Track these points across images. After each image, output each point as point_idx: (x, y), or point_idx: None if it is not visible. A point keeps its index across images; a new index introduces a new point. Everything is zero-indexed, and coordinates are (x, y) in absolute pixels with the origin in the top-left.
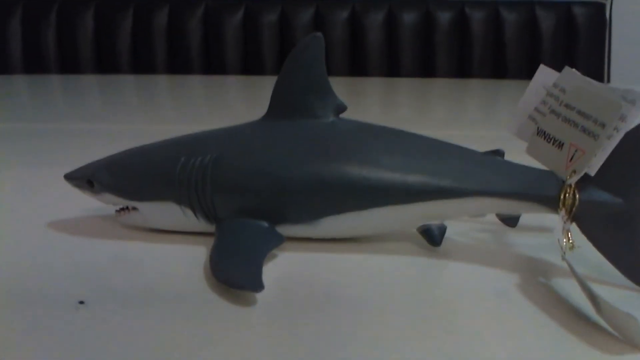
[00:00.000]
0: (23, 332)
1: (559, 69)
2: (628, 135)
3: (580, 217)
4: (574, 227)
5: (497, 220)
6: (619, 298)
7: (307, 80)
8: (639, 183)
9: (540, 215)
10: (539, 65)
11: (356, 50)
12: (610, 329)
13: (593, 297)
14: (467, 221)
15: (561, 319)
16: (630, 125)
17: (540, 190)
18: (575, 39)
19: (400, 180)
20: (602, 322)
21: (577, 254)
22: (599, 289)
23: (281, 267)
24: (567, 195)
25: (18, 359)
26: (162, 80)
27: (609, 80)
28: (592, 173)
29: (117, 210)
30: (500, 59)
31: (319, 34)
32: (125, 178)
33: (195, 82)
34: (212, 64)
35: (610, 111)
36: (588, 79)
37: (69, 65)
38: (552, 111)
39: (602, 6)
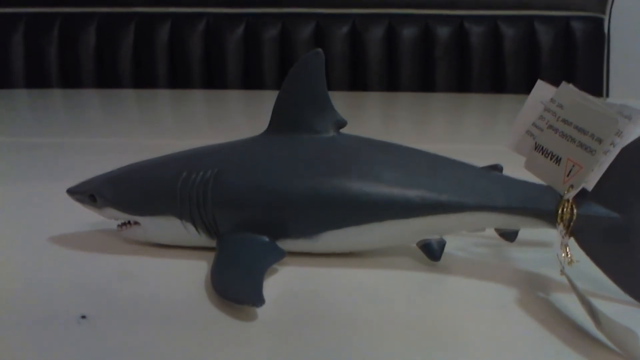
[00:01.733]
0: (24, 346)
1: (558, 83)
2: (625, 150)
3: (578, 231)
4: (572, 241)
5: (496, 234)
6: (618, 313)
7: (307, 96)
8: (635, 198)
9: (538, 230)
10: (537, 79)
11: (356, 65)
12: (609, 344)
13: (593, 312)
14: (466, 236)
15: (561, 333)
16: (627, 140)
17: (539, 205)
18: (574, 53)
19: (400, 195)
20: (602, 337)
21: (576, 269)
22: (597, 304)
23: (282, 282)
24: (564, 209)
25: None
26: (164, 95)
27: (607, 94)
28: (590, 188)
29: (119, 225)
30: (500, 73)
31: (320, 50)
32: (127, 193)
33: (197, 97)
34: (213, 79)
35: (607, 126)
36: (585, 94)
37: (71, 79)
38: (550, 126)
39: (600, 20)
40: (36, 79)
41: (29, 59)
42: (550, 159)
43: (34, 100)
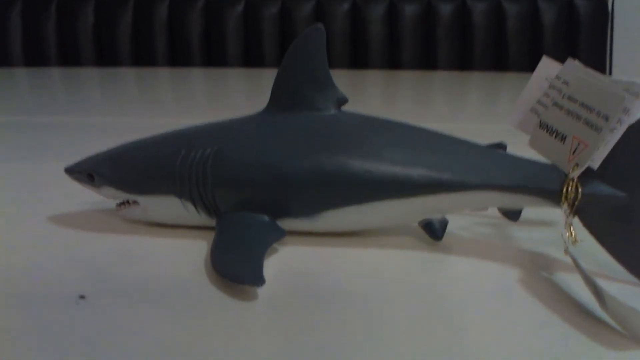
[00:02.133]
0: (23, 326)
1: (561, 60)
2: (631, 128)
3: (582, 210)
4: (576, 221)
5: (499, 214)
6: (622, 293)
7: (308, 73)
8: None
9: (542, 209)
10: (540, 58)
11: (357, 43)
12: (614, 324)
13: (597, 292)
14: (469, 215)
15: (565, 313)
16: (634, 118)
17: (543, 184)
18: (577, 31)
19: (401, 173)
20: (606, 317)
21: (580, 248)
22: (602, 284)
23: (282, 261)
24: (569, 188)
25: (18, 353)
26: (163, 73)
27: (610, 73)
28: (595, 166)
29: (117, 204)
30: (502, 52)
31: (321, 25)
32: (125, 171)
33: (196, 75)
34: (213, 57)
35: (614, 104)
36: (591, 71)
37: (70, 58)
38: (555, 104)
39: None
40: (34, 58)
41: (27, 38)
42: (555, 137)
43: (33, 79)
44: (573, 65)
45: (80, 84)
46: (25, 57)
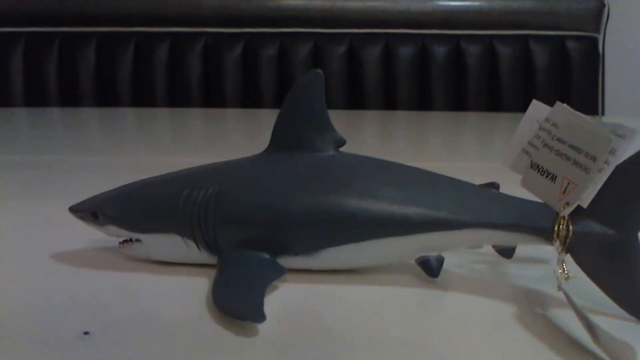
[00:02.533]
0: None
1: (553, 101)
2: (619, 168)
3: (574, 248)
4: (568, 258)
5: (493, 251)
6: (615, 327)
7: (307, 116)
8: (630, 214)
9: (535, 247)
10: (533, 97)
11: (353, 84)
12: (607, 358)
13: (590, 326)
14: (464, 253)
15: (559, 348)
16: (621, 158)
17: (535, 222)
18: (569, 72)
19: (398, 212)
20: (599, 351)
21: (573, 285)
22: (594, 319)
23: (283, 299)
24: (561, 226)
25: None
26: (163, 113)
27: (603, 113)
28: (585, 205)
29: (120, 242)
30: (496, 92)
31: (320, 71)
32: (129, 210)
33: (195, 115)
34: (212, 97)
35: (601, 145)
36: (579, 113)
37: (70, 98)
38: (545, 145)
39: (595, 40)
40: (35, 98)
41: (29, 78)
42: (546, 176)
43: (34, 119)
44: (561, 108)
45: (80, 123)
46: (26, 97)
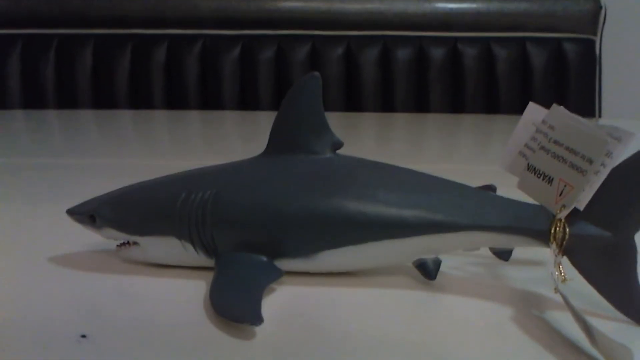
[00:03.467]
0: None
1: (550, 104)
2: (615, 170)
3: (571, 250)
4: (565, 260)
5: (490, 253)
6: (611, 329)
7: (305, 118)
8: (626, 217)
9: (532, 249)
10: (530, 100)
11: (351, 86)
12: None
13: (587, 328)
14: (462, 255)
15: (556, 350)
16: (617, 161)
17: (532, 225)
18: (566, 74)
19: (396, 215)
20: (596, 353)
21: (569, 287)
22: (591, 321)
23: (280, 301)
24: (557, 229)
25: None
26: (160, 116)
27: (600, 115)
28: (581, 207)
29: (117, 245)
30: (493, 94)
31: (317, 73)
32: (126, 213)
33: (193, 118)
34: (209, 100)
35: (597, 148)
36: (575, 116)
37: (68, 100)
38: (542, 147)
39: (592, 42)
40: (33, 100)
41: (26, 80)
42: (543, 179)
43: (31, 121)
44: (558, 110)
45: (78, 126)
46: (23, 99)
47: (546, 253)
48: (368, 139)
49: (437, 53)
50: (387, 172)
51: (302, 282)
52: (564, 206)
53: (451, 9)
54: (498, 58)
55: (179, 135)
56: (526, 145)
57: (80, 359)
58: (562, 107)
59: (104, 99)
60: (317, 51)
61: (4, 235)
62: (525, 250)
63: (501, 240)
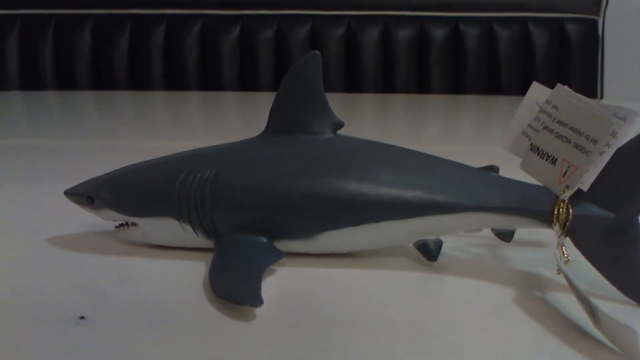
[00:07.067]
0: (23, 347)
1: (552, 84)
2: (619, 151)
3: (573, 231)
4: (568, 241)
5: (492, 235)
6: (614, 311)
7: (305, 98)
8: (630, 198)
9: (535, 230)
10: (532, 81)
11: (351, 67)
12: (608, 342)
13: (591, 309)
14: (463, 236)
15: (559, 332)
16: (621, 141)
17: (535, 205)
18: (568, 54)
19: (396, 196)
20: (600, 335)
21: (572, 268)
22: (595, 302)
23: (280, 283)
24: (560, 210)
25: None
26: (159, 97)
27: (602, 96)
28: (585, 188)
29: (116, 226)
30: (494, 75)
31: (317, 52)
32: (125, 194)
33: (192, 98)
34: (209, 80)
35: (602, 128)
36: (580, 96)
37: (66, 81)
38: (545, 127)
39: (594, 22)
40: (31, 81)
41: (24, 61)
42: (546, 159)
43: (29, 102)
44: (562, 90)
45: (76, 107)
46: (21, 80)
47: (549, 234)
48: (368, 119)
49: (439, 33)
50: (388, 152)
51: (302, 263)
52: (567, 187)
53: None
54: (500, 38)
55: (178, 116)
56: (529, 126)
57: (79, 341)
58: (566, 86)
59: (102, 79)
60: (317, 31)
61: (2, 217)
62: (527, 231)
63: (503, 221)
